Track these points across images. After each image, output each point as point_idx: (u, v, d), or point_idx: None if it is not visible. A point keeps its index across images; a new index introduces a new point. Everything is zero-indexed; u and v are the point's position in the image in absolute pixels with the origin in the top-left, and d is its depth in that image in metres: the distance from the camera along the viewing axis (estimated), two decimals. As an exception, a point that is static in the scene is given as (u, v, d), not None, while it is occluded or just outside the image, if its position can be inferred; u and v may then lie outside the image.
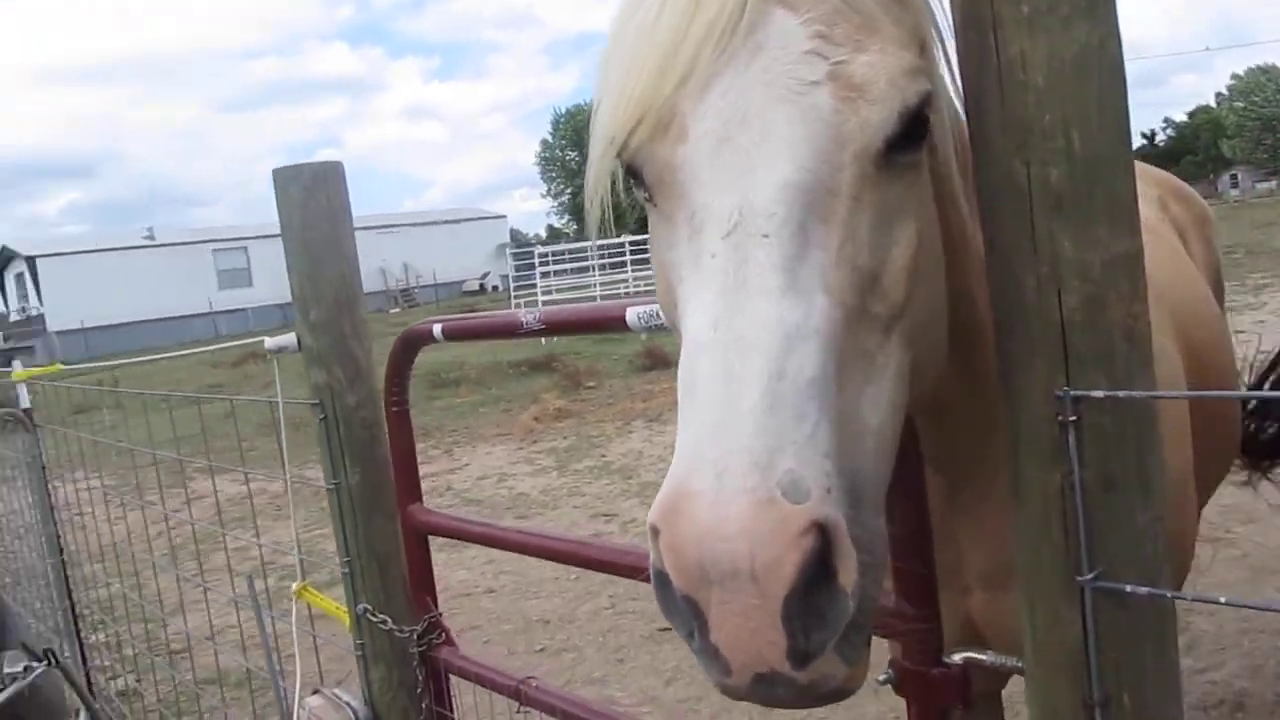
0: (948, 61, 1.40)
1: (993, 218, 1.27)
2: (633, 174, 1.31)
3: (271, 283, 47.96)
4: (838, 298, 1.16)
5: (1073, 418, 1.21)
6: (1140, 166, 3.86)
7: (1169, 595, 1.22)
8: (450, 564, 8.04)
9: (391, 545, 2.78)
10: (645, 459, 11.20)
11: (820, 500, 1.03)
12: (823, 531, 1.03)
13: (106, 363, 9.98)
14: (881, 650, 1.54)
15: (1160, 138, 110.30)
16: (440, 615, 2.70)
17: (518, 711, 2.38)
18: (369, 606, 2.80)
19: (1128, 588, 1.21)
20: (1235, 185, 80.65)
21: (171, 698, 5.74)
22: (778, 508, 1.01)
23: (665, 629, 6.31)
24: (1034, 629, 1.31)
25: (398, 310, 48.72)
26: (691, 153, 1.22)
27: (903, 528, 1.51)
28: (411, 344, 2.50)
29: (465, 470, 11.65)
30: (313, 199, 2.70)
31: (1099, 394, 1.19)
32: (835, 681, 1.10)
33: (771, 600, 1.02)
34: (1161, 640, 1.27)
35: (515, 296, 31.19)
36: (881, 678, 1.55)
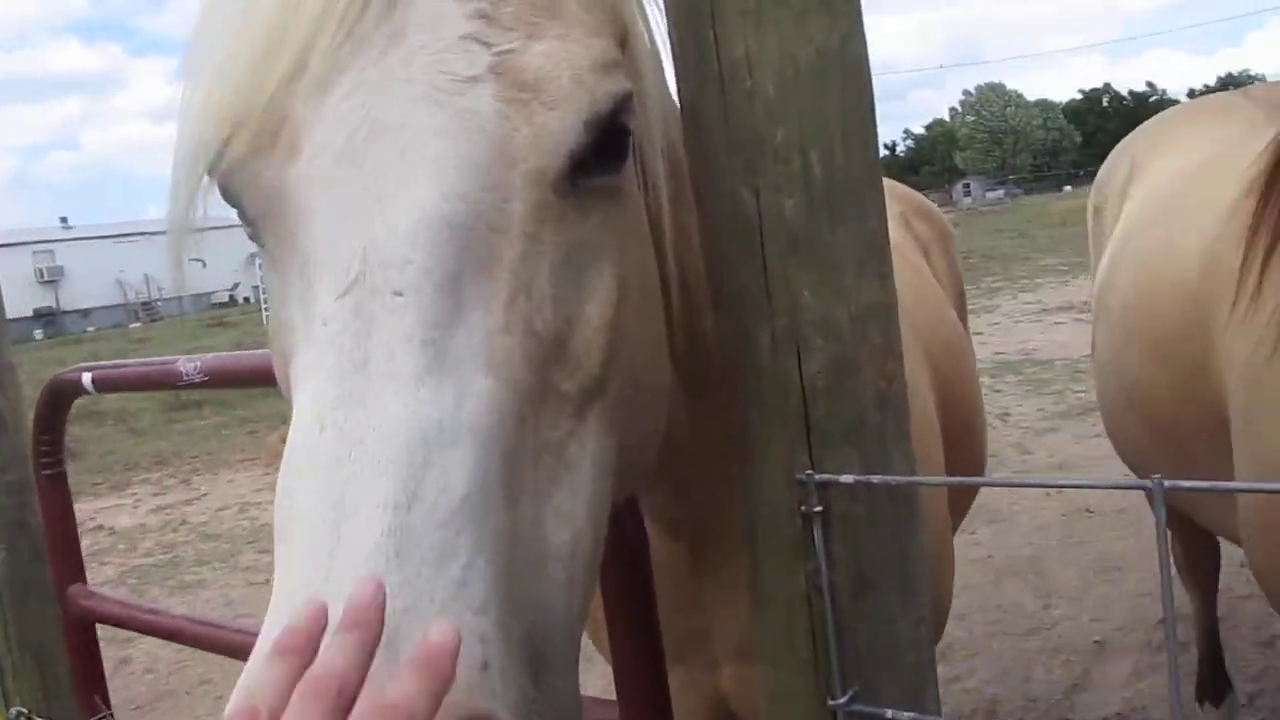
0: (660, 57, 1.13)
1: (718, 259, 1.01)
2: (231, 200, 0.96)
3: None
4: (506, 376, 0.86)
5: (818, 507, 0.97)
6: (886, 183, 3.79)
7: (936, 722, 0.99)
8: (182, 606, 7.36)
9: (51, 635, 2.32)
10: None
11: (472, 685, 0.72)
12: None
13: None
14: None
15: (901, 149, 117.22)
16: (109, 715, 2.27)
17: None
18: (25, 710, 2.34)
19: (889, 713, 0.99)
20: (968, 193, 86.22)
21: None
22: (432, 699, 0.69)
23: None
24: (782, 761, 1.07)
25: (139, 325, 45.72)
26: (304, 176, 0.89)
27: (621, 606, 1.25)
28: (59, 397, 2.07)
29: (204, 501, 10.80)
30: None
31: (849, 479, 0.96)
32: None
33: None
34: (929, 766, 1.05)
35: (266, 309, 29.79)
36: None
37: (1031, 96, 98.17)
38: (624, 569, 1.22)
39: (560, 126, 0.90)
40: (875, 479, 0.95)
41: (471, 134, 0.88)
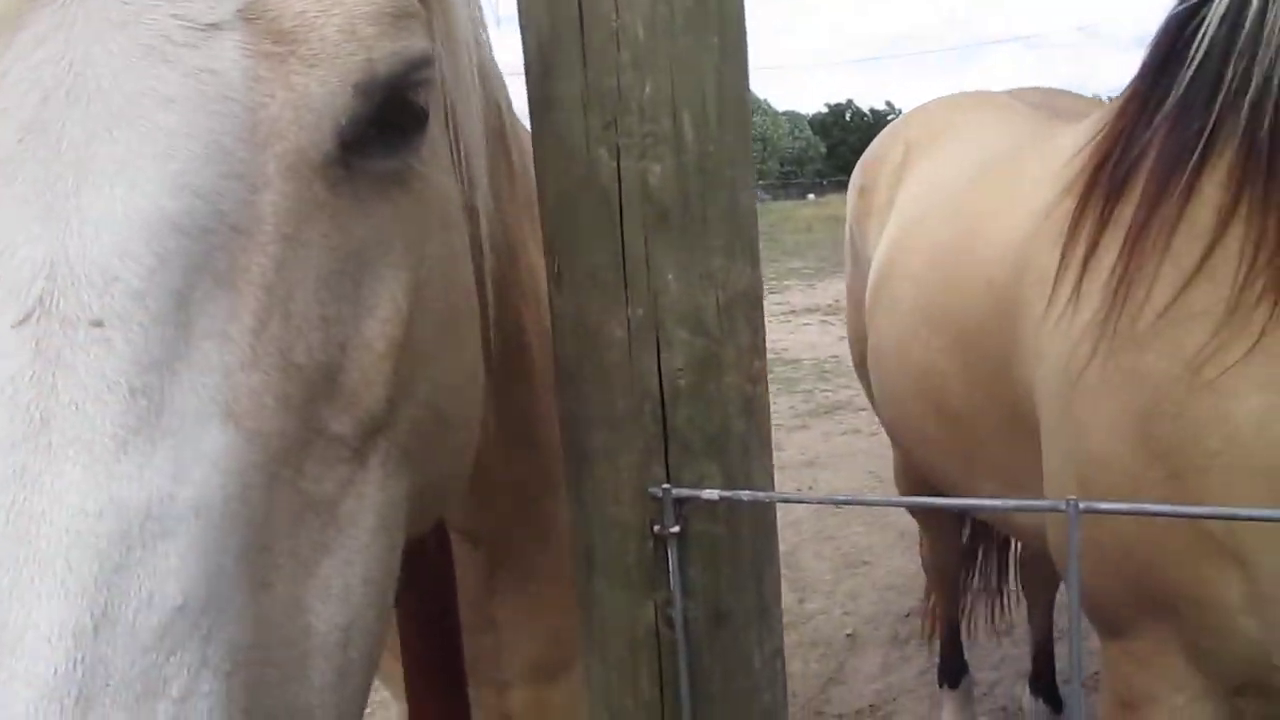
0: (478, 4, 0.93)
1: (563, 235, 0.85)
2: None
3: None
4: (252, 427, 0.65)
5: (674, 528, 0.83)
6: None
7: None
8: None
9: None
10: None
11: None
12: None
13: None
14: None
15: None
16: None
17: None
18: None
19: (745, 765, 0.86)
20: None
21: None
22: None
23: None
24: (612, 820, 0.92)
25: None
26: None
27: (419, 623, 1.07)
28: None
29: None
30: None
31: (713, 494, 0.82)
32: None
33: None
34: (781, 823, 0.93)
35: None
36: None
37: (780, 107, 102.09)
38: (426, 605, 1.04)
39: (323, 91, 0.69)
40: (745, 495, 0.81)
41: (210, 102, 0.66)
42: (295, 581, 0.66)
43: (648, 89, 0.80)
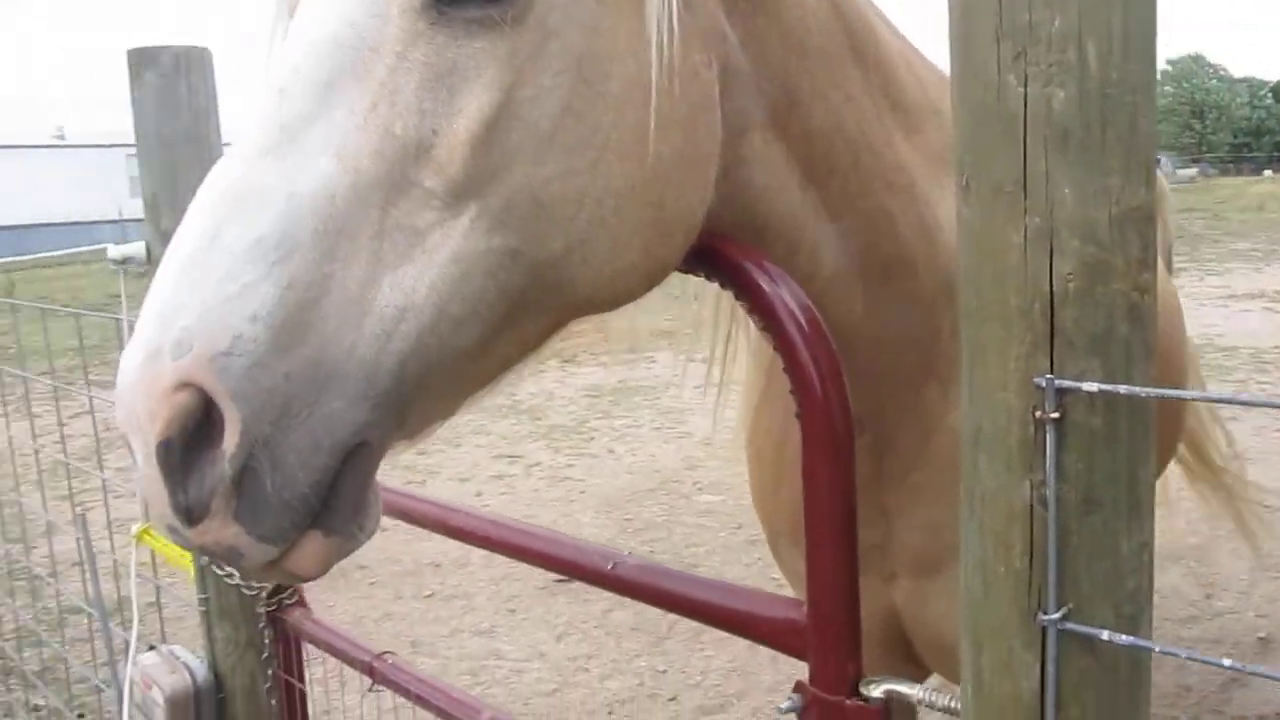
0: None
1: (972, 149, 0.98)
2: None
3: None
4: (351, 164, 1.04)
5: (1054, 414, 0.94)
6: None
7: (1157, 649, 0.96)
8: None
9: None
10: (556, 399, 10.91)
11: (202, 358, 0.97)
12: (202, 392, 0.98)
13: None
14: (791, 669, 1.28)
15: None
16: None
17: (369, 689, 2.09)
18: (215, 558, 2.48)
19: (1105, 634, 0.96)
20: (1159, 169, 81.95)
21: (20, 630, 5.35)
22: (155, 364, 0.98)
23: (561, 580, 6.06)
24: (978, 672, 1.05)
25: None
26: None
27: (816, 525, 1.24)
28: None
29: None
30: (172, 88, 2.33)
31: (1092, 386, 0.92)
32: (245, 553, 1.03)
33: (149, 451, 0.99)
34: (1135, 701, 1.01)
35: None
36: (784, 705, 1.28)
37: (1238, 72, 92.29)
38: (829, 463, 1.20)
39: None
40: (1122, 389, 0.91)
41: None
42: (373, 268, 1.04)
43: (1056, 23, 0.90)
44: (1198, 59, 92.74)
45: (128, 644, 2.83)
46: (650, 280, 1.25)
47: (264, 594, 2.37)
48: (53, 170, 49.50)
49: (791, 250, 1.36)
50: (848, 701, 1.24)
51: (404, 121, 1.06)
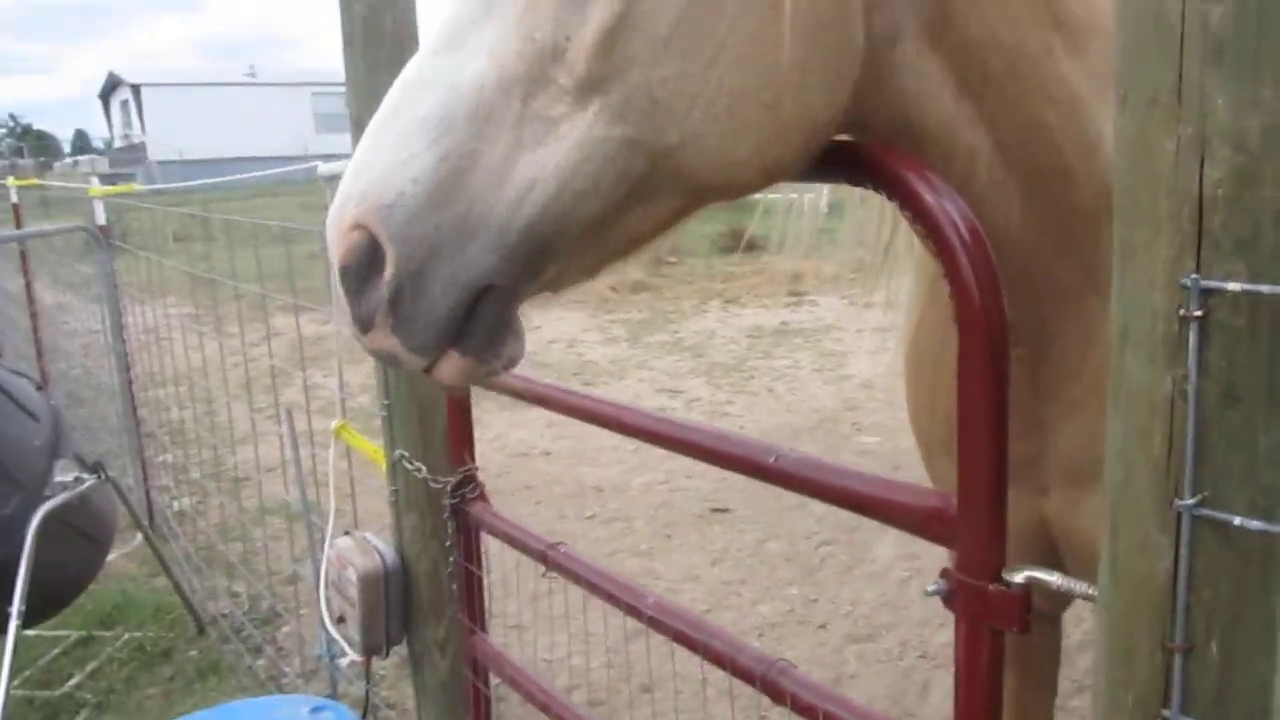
0: None
1: (1130, 62, 1.04)
2: None
3: (368, 130, 47.77)
4: (499, 62, 1.24)
5: (1198, 312, 1.00)
6: None
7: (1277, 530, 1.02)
8: (511, 424, 8.02)
9: (433, 394, 2.67)
10: (717, 339, 11.04)
11: (372, 208, 1.22)
12: (370, 233, 1.23)
13: (181, 185, 9.99)
14: (936, 558, 1.38)
15: None
16: (476, 470, 2.59)
17: (543, 575, 2.28)
18: (405, 453, 2.71)
19: (1236, 519, 1.02)
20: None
21: (222, 525, 5.82)
22: (343, 210, 1.25)
23: (718, 510, 6.23)
24: (1115, 555, 1.13)
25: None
26: None
27: (968, 422, 1.32)
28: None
29: (537, 333, 11.54)
30: (377, 19, 2.52)
31: (1236, 286, 0.98)
32: (402, 359, 1.30)
33: (336, 274, 1.26)
34: (1268, 583, 1.07)
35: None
36: (931, 588, 1.38)
37: None
38: (985, 367, 1.29)
39: None
40: (1265, 289, 0.97)
41: None
42: (513, 147, 1.24)
43: (1218, -60, 0.96)
44: None
45: (324, 532, 3.11)
46: (769, 175, 1.36)
47: (449, 487, 2.58)
48: (245, 106, 51.79)
49: (947, 157, 1.44)
50: (990, 586, 1.33)
51: (543, 29, 1.24)
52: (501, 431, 7.80)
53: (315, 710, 2.89)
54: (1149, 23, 1.01)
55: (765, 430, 7.60)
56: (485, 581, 2.67)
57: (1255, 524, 1.02)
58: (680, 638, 1.86)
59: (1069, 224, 1.50)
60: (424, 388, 2.67)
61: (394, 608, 2.78)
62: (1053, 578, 1.30)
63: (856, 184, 1.49)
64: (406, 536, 2.78)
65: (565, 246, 1.29)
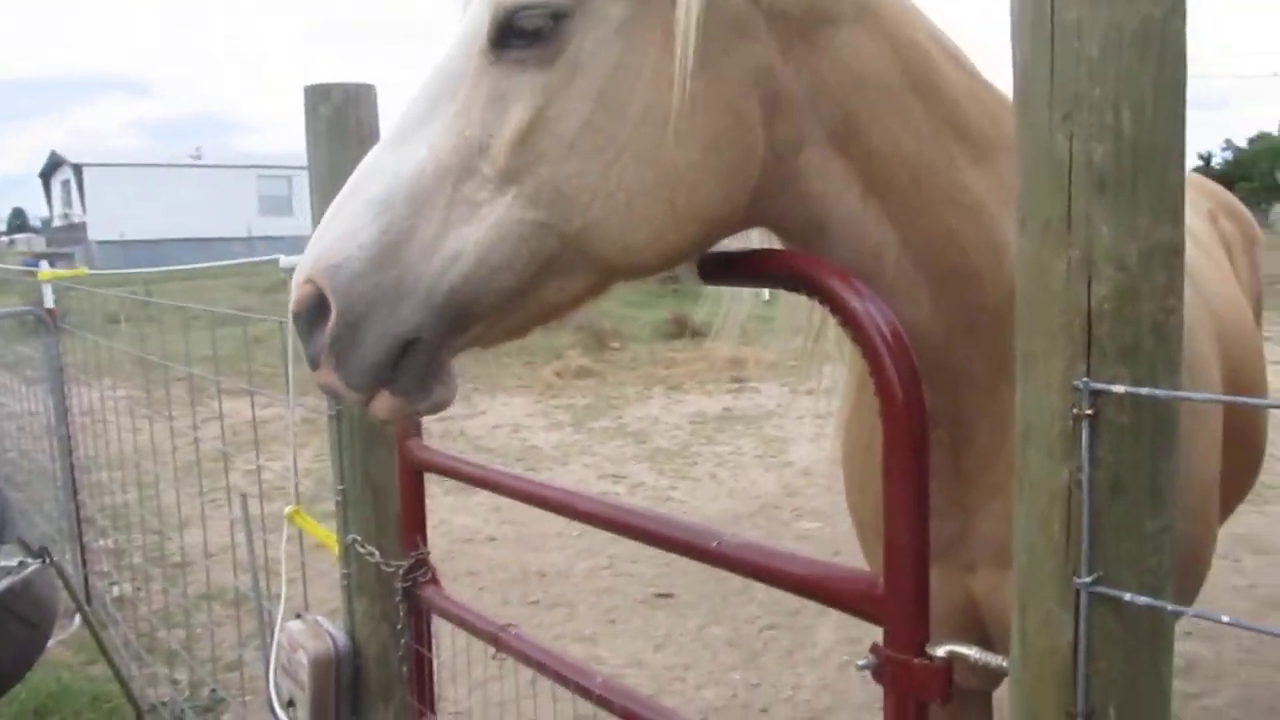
0: None
1: (1027, 189, 1.19)
2: None
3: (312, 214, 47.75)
4: (436, 155, 1.47)
5: (1089, 411, 1.14)
6: (1195, 178, 3.75)
7: (1169, 609, 1.15)
8: (455, 508, 8.03)
9: (387, 478, 2.74)
10: (661, 425, 11.16)
11: (322, 267, 1.47)
12: (318, 287, 1.47)
13: (130, 271, 9.98)
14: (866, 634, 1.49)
15: (1217, 160, 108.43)
16: (428, 554, 2.66)
17: (493, 657, 2.34)
18: (359, 537, 2.78)
19: (1127, 596, 1.15)
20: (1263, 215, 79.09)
21: (164, 611, 5.76)
22: (302, 268, 1.49)
23: (661, 595, 6.29)
24: (1023, 630, 1.25)
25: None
26: None
27: (893, 509, 1.45)
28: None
29: (481, 418, 11.64)
30: (342, 120, 2.64)
31: (1120, 389, 1.12)
32: (343, 394, 1.53)
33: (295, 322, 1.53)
34: (1156, 656, 1.20)
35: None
36: (861, 663, 1.49)
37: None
38: (906, 458, 1.41)
39: (479, 22, 1.51)
40: (1144, 391, 1.11)
41: (464, 26, 1.56)
42: (443, 225, 1.47)
43: (1097, 92, 1.11)
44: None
45: (273, 615, 3.14)
46: (667, 260, 1.58)
47: (401, 570, 2.65)
48: (189, 188, 51.58)
49: (856, 252, 1.60)
50: (915, 660, 1.44)
51: (472, 128, 1.48)
52: (446, 517, 7.81)
53: (261, 796, 2.91)
54: (1043, 157, 1.17)
55: (708, 515, 7.69)
56: (434, 664, 2.72)
57: (1143, 600, 1.15)
58: (628, 716, 1.94)
59: (978, 320, 1.64)
60: (377, 473, 2.75)
61: (344, 691, 2.82)
62: (971, 651, 1.41)
63: (792, 289, 1.63)
64: (358, 620, 2.83)
65: (485, 310, 1.51)
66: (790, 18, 1.53)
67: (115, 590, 6.21)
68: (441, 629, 2.72)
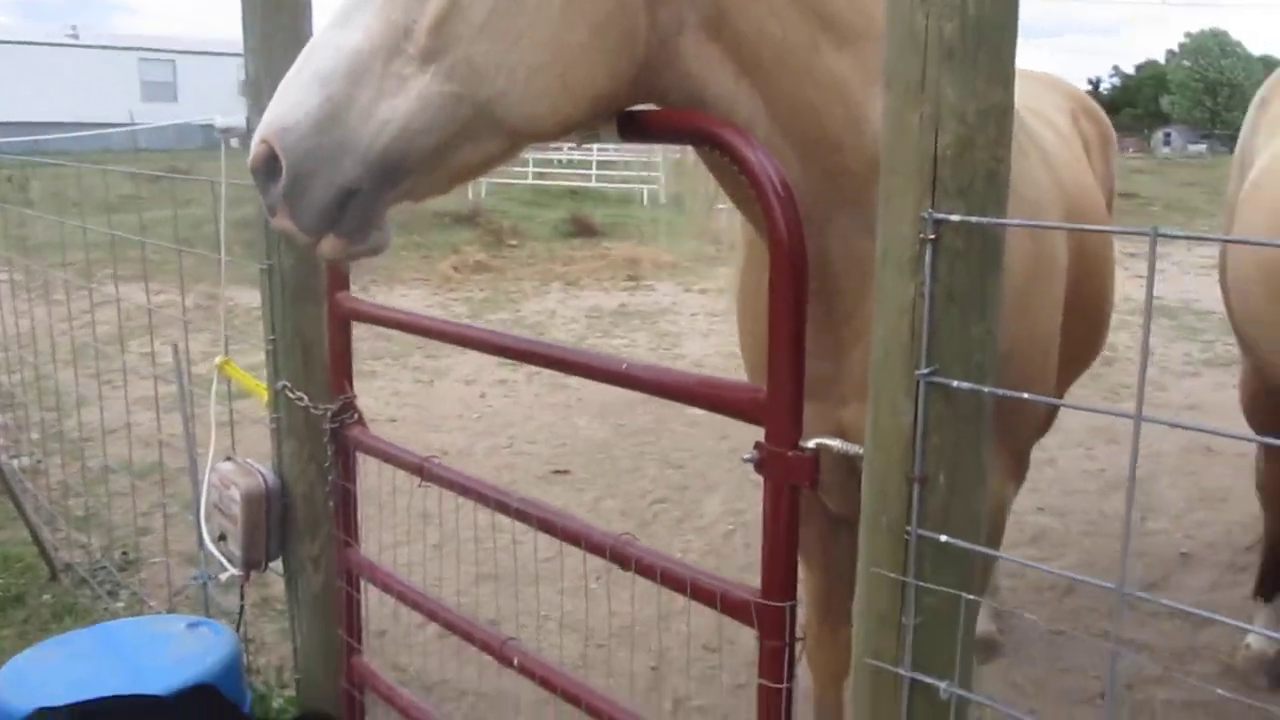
0: None
1: (893, 62, 1.47)
2: None
3: (197, 101, 46.14)
4: (368, 35, 1.69)
5: (931, 236, 1.44)
6: (1058, 80, 4.11)
7: (986, 390, 1.47)
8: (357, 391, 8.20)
9: (316, 330, 2.96)
10: (558, 318, 11.41)
11: (274, 130, 1.68)
12: (270, 147, 1.68)
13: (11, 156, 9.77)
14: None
15: (1105, 86, 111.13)
16: (355, 397, 2.89)
17: (419, 485, 2.61)
18: (288, 384, 2.99)
19: (954, 383, 1.46)
20: (1168, 143, 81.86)
21: (64, 485, 5.87)
22: (260, 131, 1.70)
23: (558, 471, 6.61)
24: (875, 416, 1.56)
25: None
26: None
27: (776, 328, 1.74)
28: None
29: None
30: (277, -9, 2.79)
31: (956, 218, 1.42)
32: (296, 236, 1.75)
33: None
34: (977, 433, 1.52)
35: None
36: (746, 456, 1.80)
37: (1257, 50, 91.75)
38: (789, 288, 1.71)
39: None
40: (973, 219, 1.41)
41: None
42: (376, 96, 1.69)
43: (950, -22, 1.39)
44: (1217, 34, 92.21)
45: (196, 462, 3.35)
46: (565, 128, 1.84)
47: (329, 413, 2.88)
48: (65, 70, 49.13)
49: (728, 119, 1.87)
50: (790, 453, 1.75)
51: (397, 13, 1.69)
52: (347, 399, 7.98)
53: (192, 625, 3.15)
54: (904, 30, 1.44)
55: (604, 402, 8.01)
56: (359, 499, 2.98)
57: (966, 385, 1.46)
58: (544, 524, 2.23)
59: (841, 183, 1.92)
60: (307, 324, 2.96)
61: (274, 525, 3.06)
62: (835, 443, 1.73)
63: (696, 144, 1.89)
64: (286, 461, 3.07)
65: (412, 166, 1.75)
66: None
67: (16, 463, 6.29)
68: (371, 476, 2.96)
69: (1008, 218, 1.52)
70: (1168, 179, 33.17)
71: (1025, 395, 1.48)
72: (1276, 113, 3.70)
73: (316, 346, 2.97)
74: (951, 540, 1.51)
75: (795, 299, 1.71)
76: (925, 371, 1.48)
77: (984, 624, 4.45)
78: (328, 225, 1.75)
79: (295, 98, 1.69)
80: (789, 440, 1.75)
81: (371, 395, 8.19)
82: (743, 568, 5.17)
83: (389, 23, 1.70)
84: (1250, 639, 4.23)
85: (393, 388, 8.43)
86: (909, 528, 1.54)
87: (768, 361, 1.75)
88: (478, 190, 20.00)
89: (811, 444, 1.74)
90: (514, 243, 16.42)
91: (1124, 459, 6.88)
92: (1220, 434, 1.40)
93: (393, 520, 3.49)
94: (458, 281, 13.55)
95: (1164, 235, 1.27)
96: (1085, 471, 6.67)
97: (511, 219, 18.47)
